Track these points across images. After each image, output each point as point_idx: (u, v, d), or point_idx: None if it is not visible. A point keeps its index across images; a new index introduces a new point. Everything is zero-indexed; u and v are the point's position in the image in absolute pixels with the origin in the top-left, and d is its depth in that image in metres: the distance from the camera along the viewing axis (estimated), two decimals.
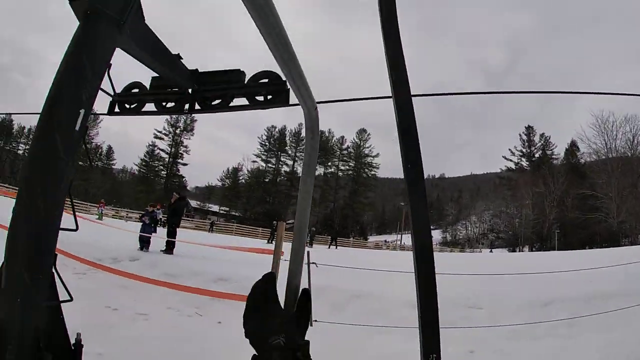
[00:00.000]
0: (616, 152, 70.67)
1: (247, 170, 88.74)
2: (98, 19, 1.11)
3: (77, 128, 1.10)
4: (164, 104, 1.92)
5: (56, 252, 1.18)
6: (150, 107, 1.94)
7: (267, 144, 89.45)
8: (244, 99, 1.87)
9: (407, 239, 78.43)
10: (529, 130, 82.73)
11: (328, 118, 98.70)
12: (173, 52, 1.74)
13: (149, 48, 1.45)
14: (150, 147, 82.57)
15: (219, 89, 1.86)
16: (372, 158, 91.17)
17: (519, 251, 67.96)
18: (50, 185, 1.10)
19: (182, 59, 1.74)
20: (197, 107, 1.88)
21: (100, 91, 1.37)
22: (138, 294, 7.33)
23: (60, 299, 1.27)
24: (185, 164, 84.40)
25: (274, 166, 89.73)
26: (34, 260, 1.08)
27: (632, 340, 5.90)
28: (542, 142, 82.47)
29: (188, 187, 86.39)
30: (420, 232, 0.89)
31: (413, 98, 0.98)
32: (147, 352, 4.87)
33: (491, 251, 67.23)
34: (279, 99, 1.85)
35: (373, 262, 9.77)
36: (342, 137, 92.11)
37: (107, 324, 5.71)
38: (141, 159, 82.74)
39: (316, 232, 46.54)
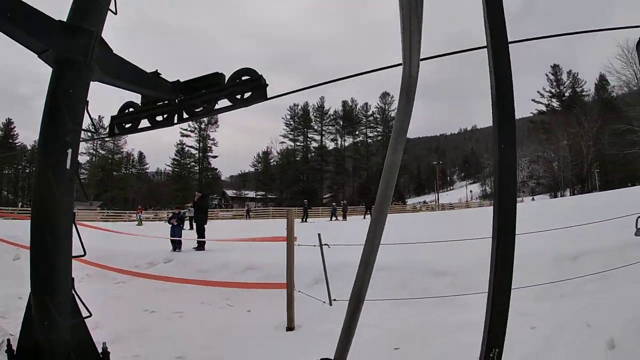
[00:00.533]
0: None
1: (277, 152, 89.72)
2: (66, 65, 1.25)
3: (68, 167, 1.25)
4: (156, 118, 2.05)
5: (73, 277, 1.36)
6: (145, 122, 2.07)
7: (292, 122, 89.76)
8: (226, 100, 1.98)
9: (443, 198, 78.17)
10: (555, 69, 79.36)
11: (350, 87, 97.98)
12: (151, 70, 1.87)
13: (123, 75, 1.59)
14: (179, 145, 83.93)
15: (203, 95, 1.97)
16: None
17: (560, 196, 66.08)
18: (55, 221, 1.26)
19: (160, 74, 1.86)
20: (185, 116, 2.00)
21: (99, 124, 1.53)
22: (173, 294, 7.61)
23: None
24: (215, 157, 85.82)
25: (302, 144, 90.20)
26: (53, 287, 1.26)
27: None
28: (570, 79, 79.12)
29: (222, 178, 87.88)
30: (504, 220, 0.83)
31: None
32: (180, 348, 5.09)
33: (533, 199, 65.44)
34: (258, 95, 1.96)
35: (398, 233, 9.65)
36: (366, 103, 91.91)
37: (144, 326, 5.96)
38: (172, 159, 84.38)
39: (347, 204, 46.58)
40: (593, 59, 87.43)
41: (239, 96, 1.95)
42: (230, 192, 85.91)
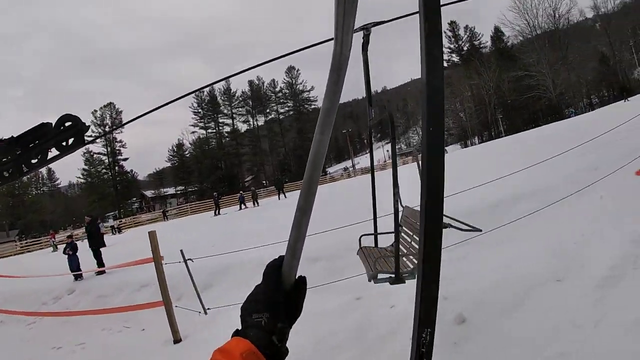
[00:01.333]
0: (540, 29, 74.52)
1: (189, 143, 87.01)
2: None
3: None
4: (4, 174, 2.24)
5: None
6: None
7: (200, 110, 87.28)
8: (55, 149, 2.19)
9: (363, 161, 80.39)
10: (453, 25, 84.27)
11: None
12: None
13: None
14: (86, 154, 78.88)
15: (35, 147, 2.18)
16: (307, 92, 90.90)
17: (470, 144, 71.03)
18: None
19: None
20: (25, 169, 2.23)
21: None
22: (77, 326, 7.93)
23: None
24: (126, 159, 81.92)
25: (214, 130, 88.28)
26: None
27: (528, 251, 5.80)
28: (467, 34, 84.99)
29: (140, 178, 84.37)
30: (432, 207, 0.81)
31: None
32: None
33: (446, 152, 69.36)
34: (79, 140, 2.19)
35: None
36: (273, 80, 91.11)
37: None
38: (82, 169, 79.53)
39: (256, 189, 46.73)
40: (488, 14, 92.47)
41: (64, 143, 2.18)
42: (149, 193, 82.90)
